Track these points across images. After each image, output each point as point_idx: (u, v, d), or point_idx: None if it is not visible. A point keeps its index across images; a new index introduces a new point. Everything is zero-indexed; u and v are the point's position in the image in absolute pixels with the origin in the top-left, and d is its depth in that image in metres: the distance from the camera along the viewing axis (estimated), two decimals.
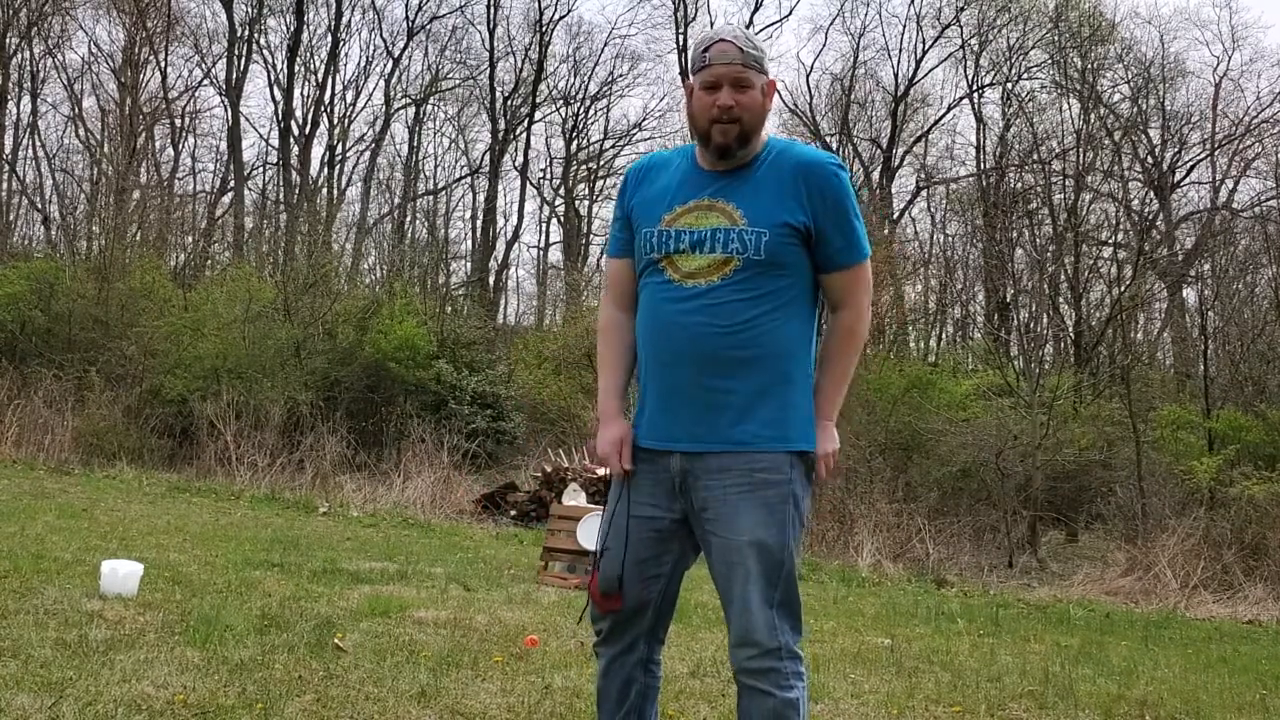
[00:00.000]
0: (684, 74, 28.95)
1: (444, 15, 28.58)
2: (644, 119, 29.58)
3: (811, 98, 27.85)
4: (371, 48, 36.04)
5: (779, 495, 2.26)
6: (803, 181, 2.31)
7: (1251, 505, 11.04)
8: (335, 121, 28.34)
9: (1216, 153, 22.50)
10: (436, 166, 30.91)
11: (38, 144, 26.03)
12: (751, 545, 2.25)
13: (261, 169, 28.86)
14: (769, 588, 2.25)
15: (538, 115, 28.95)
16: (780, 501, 2.26)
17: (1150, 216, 21.91)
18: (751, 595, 2.25)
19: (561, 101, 29.62)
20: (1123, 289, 18.64)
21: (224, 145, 27.58)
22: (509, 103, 28.52)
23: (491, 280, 27.69)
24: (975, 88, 26.82)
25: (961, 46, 26.56)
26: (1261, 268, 19.03)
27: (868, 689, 4.41)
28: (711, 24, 29.50)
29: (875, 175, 27.35)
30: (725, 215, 2.33)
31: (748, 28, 29.40)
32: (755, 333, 2.28)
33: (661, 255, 2.36)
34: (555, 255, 30.16)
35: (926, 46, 26.77)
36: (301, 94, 28.08)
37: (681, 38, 28.79)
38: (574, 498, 10.91)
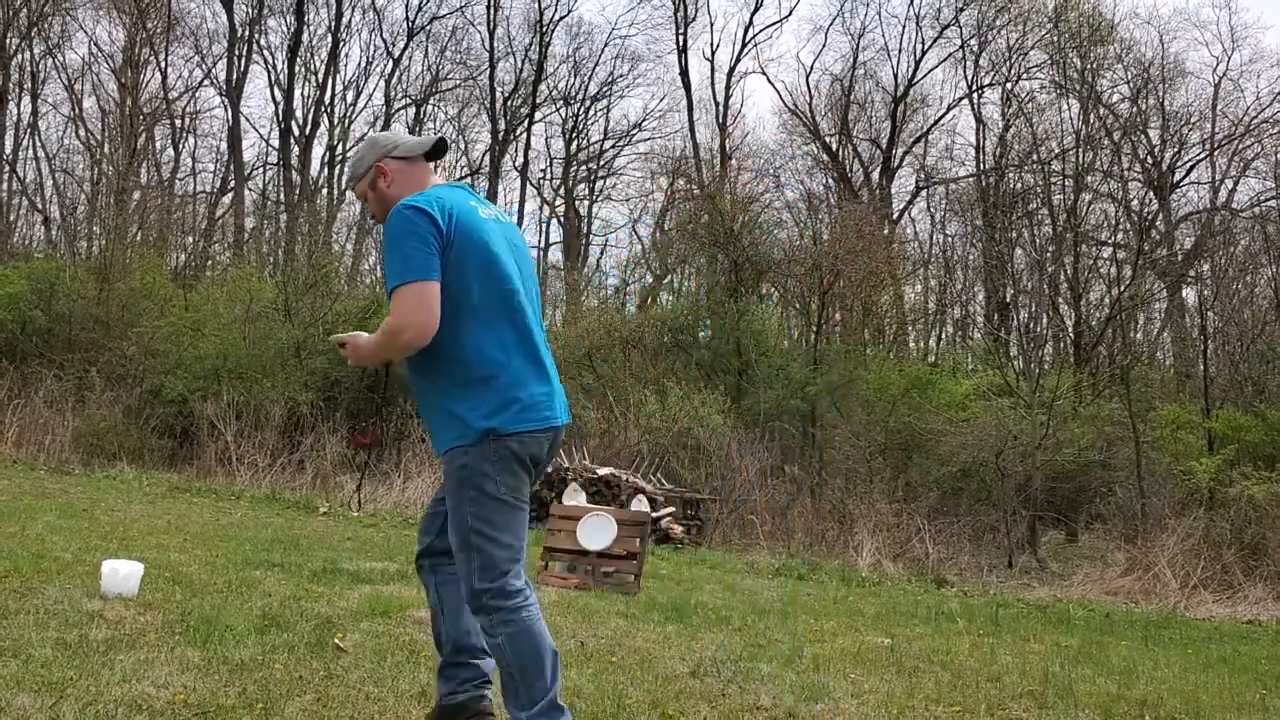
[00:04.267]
0: (683, 74, 29.07)
1: (444, 15, 28.67)
2: (644, 119, 29.67)
3: (811, 98, 27.88)
4: (372, 48, 36.13)
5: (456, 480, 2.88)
6: None
7: (1251, 505, 11.05)
8: (336, 122, 28.39)
9: (1216, 153, 22.53)
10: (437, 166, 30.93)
11: (38, 144, 26.09)
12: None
13: (262, 169, 28.94)
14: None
15: (538, 115, 29.00)
16: (457, 485, 2.85)
17: (1150, 216, 21.93)
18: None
19: (561, 102, 29.67)
20: (1122, 289, 18.67)
21: (224, 145, 27.65)
22: (509, 103, 28.55)
23: None
24: (975, 88, 26.84)
25: (961, 47, 26.59)
26: (1261, 268, 19.06)
27: (868, 689, 4.41)
28: (711, 24, 29.46)
29: (875, 175, 27.37)
30: None
31: (747, 28, 29.35)
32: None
33: None
34: (555, 255, 30.21)
35: (926, 47, 26.81)
36: (302, 94, 28.16)
37: (681, 38, 28.81)
38: (574, 498, 10.92)
